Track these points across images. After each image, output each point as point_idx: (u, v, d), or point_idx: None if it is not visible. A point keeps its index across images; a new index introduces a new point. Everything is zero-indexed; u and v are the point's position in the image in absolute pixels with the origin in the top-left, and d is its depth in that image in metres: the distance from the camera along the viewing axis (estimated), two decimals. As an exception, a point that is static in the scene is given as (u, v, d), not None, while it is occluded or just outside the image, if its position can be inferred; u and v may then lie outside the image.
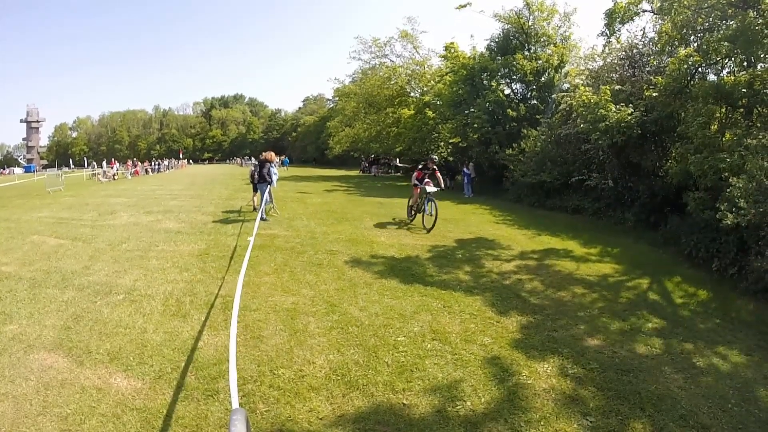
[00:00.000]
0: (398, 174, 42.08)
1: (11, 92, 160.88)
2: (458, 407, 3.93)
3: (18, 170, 76.18)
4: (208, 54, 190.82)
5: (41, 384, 4.16)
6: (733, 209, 8.17)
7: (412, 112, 33.87)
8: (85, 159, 78.87)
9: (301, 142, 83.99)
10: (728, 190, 8.60)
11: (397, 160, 43.00)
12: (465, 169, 23.24)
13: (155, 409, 3.81)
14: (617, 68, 16.20)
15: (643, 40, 16.07)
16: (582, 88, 15.44)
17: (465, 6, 25.38)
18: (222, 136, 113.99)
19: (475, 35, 65.45)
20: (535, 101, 24.00)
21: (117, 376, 4.30)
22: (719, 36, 11.02)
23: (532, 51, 24.30)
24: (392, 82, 36.40)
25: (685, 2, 12.04)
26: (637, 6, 14.45)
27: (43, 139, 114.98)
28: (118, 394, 4.02)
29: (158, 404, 3.88)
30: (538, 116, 21.67)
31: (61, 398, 3.95)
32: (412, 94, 36.63)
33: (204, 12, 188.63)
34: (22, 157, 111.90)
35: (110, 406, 3.84)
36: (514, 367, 4.63)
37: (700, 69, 12.54)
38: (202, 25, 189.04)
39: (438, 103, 29.84)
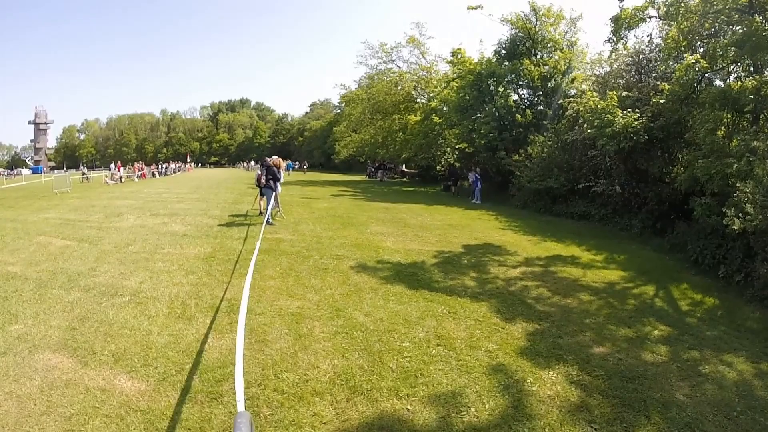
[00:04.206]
0: (404, 179, 42.11)
1: (20, 92, 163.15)
2: (462, 414, 3.91)
3: (26, 171, 76.71)
4: (215, 57, 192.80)
5: (45, 384, 4.17)
6: (740, 215, 8.12)
7: (419, 118, 33.88)
8: (93, 162, 79.31)
9: (307, 146, 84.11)
10: (735, 195, 8.56)
11: (403, 165, 43.06)
12: (475, 175, 23.04)
13: (159, 411, 3.81)
14: (624, 74, 16.18)
15: (649, 46, 16.08)
16: (589, 93, 15.44)
17: (476, 8, 25.45)
18: (229, 140, 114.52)
19: (481, 41, 65.58)
20: (541, 107, 23.94)
21: (121, 378, 4.31)
22: (726, 41, 11.00)
23: (539, 56, 24.27)
24: (399, 88, 36.46)
25: (692, 8, 12.04)
26: (643, 12, 14.44)
27: (51, 141, 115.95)
28: (122, 395, 4.03)
29: (162, 406, 3.89)
30: (545, 122, 21.64)
31: (65, 398, 3.96)
32: (418, 100, 36.68)
33: (210, 14, 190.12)
34: (29, 158, 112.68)
35: (114, 407, 3.85)
36: (519, 374, 4.60)
37: (706, 75, 12.52)
38: (208, 25, 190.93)
39: (444, 108, 29.84)
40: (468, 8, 25.71)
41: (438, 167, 33.82)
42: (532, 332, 5.69)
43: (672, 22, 13.31)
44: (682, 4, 12.50)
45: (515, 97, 25.35)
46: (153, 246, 9.83)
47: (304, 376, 4.42)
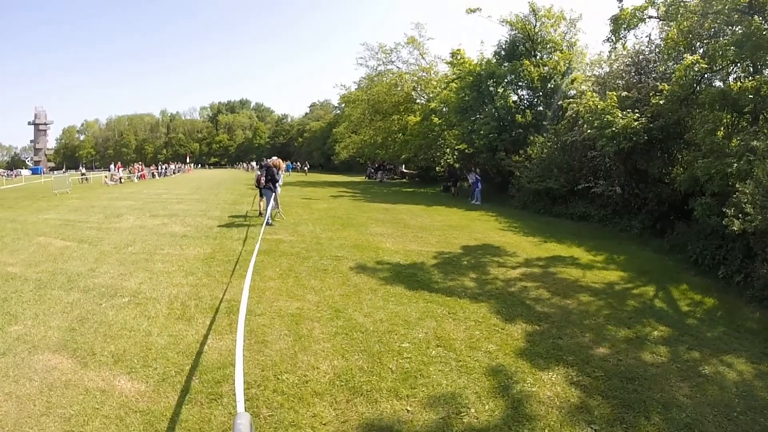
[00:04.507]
0: (404, 180, 42.11)
1: (20, 92, 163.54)
2: (462, 415, 3.90)
3: (25, 172, 76.66)
4: (215, 57, 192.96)
5: (45, 385, 4.17)
6: (740, 215, 8.12)
7: (419, 118, 33.88)
8: (93, 163, 79.28)
9: (307, 147, 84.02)
10: (735, 195, 8.55)
11: (403, 166, 43.08)
12: (475, 176, 22.97)
13: (159, 412, 3.81)
14: (623, 74, 16.19)
15: (649, 46, 16.08)
16: (589, 93, 15.44)
17: (475, 11, 25.43)
18: (229, 141, 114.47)
19: (481, 42, 65.27)
20: (541, 107, 23.95)
21: (121, 379, 4.31)
22: (725, 41, 11.01)
23: (538, 57, 24.26)
24: (398, 89, 36.45)
25: (691, 8, 12.05)
26: (642, 12, 14.43)
27: (51, 142, 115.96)
28: (121, 396, 4.03)
29: (162, 407, 3.88)
30: (544, 122, 21.63)
31: (65, 399, 3.96)
32: (418, 101, 36.67)
33: (210, 14, 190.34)
34: (29, 159, 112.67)
35: (113, 408, 3.84)
36: (518, 375, 4.60)
37: (706, 76, 12.53)
38: (208, 25, 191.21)
39: (444, 109, 29.82)
40: (467, 11, 25.74)
41: (438, 168, 33.80)
42: (532, 333, 5.69)
43: (671, 23, 13.33)
44: (682, 5, 12.53)
45: (515, 97, 25.37)
46: (153, 247, 9.82)
47: (304, 377, 4.41)
